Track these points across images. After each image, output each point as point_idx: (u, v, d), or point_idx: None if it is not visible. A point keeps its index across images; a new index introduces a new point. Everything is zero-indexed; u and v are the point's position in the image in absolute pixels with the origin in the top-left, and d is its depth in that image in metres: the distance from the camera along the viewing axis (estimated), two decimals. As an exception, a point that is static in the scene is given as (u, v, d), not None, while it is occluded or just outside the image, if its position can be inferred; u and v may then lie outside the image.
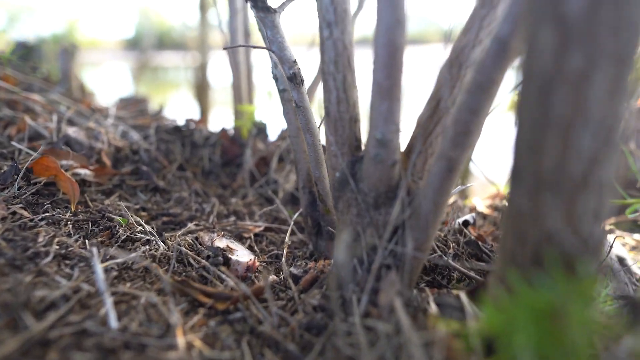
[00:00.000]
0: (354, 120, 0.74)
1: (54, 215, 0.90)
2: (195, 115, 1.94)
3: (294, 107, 0.89)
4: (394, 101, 0.66)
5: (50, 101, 1.58)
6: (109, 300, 0.65)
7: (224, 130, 1.57)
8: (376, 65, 0.65)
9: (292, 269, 0.84)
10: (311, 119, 0.90)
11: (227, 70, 1.67)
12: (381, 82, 0.65)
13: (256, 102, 1.69)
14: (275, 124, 1.67)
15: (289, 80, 0.85)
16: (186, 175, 1.32)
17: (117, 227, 0.91)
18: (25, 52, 2.23)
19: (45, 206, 0.92)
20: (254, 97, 1.72)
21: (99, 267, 0.71)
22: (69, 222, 0.90)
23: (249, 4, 0.92)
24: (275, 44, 0.85)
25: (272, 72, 1.01)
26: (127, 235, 0.89)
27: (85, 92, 2.00)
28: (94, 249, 0.74)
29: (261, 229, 1.09)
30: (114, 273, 0.75)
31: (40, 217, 0.87)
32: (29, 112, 1.46)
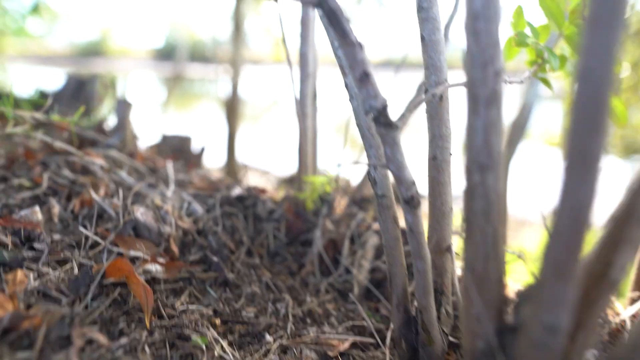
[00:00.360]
0: (502, 280, 0.63)
1: (130, 337, 0.79)
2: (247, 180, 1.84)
3: (408, 232, 0.78)
4: (569, 283, 0.54)
5: (110, 159, 1.50)
6: None
7: (288, 203, 1.47)
8: (555, 240, 0.53)
9: None
10: (424, 245, 0.79)
11: (294, 133, 1.58)
12: (559, 259, 0.53)
13: (320, 169, 1.59)
14: (342, 196, 1.57)
15: (404, 202, 0.74)
16: (254, 262, 1.22)
17: (200, 353, 0.80)
18: (78, 90, 2.18)
19: (121, 325, 0.82)
20: (318, 163, 1.63)
21: None
22: (146, 346, 0.79)
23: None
24: (394, 163, 0.74)
25: (368, 173, 0.91)
26: (211, 368, 0.78)
27: (135, 139, 1.93)
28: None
29: (346, 346, 0.98)
30: None
31: (117, 345, 0.77)
32: (88, 175, 1.38)
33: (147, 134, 2.68)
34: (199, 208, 1.34)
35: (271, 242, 1.36)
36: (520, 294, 0.61)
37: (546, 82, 1.11)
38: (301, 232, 1.43)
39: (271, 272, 1.22)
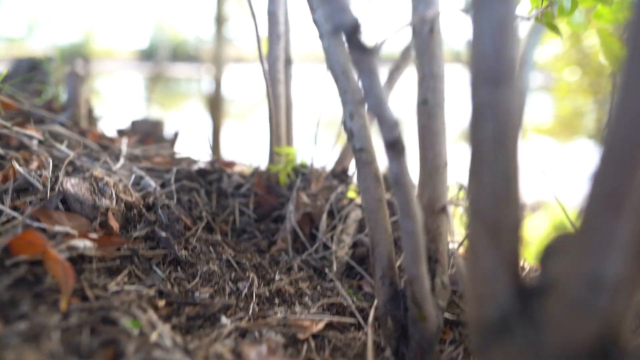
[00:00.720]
0: (518, 229, 0.45)
1: (33, 321, 0.61)
2: (216, 150, 1.66)
3: (393, 184, 0.60)
4: (623, 216, 0.37)
5: (52, 134, 1.31)
6: None
7: (258, 177, 1.29)
8: (607, 160, 0.37)
9: None
10: (413, 200, 0.61)
11: (264, 108, 1.40)
12: (611, 185, 0.37)
13: (296, 145, 1.41)
14: (319, 167, 1.39)
15: (387, 147, 0.57)
16: (215, 239, 1.04)
17: (127, 343, 0.62)
18: (31, 71, 1.99)
19: (24, 308, 0.64)
20: (293, 138, 1.45)
21: None
22: (54, 332, 0.61)
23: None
24: (372, 97, 0.56)
25: (344, 123, 0.74)
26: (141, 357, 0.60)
27: (93, 120, 1.74)
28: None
29: (320, 327, 0.80)
30: None
31: (11, 331, 0.58)
32: (23, 151, 1.19)
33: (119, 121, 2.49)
34: (151, 183, 1.16)
35: (237, 218, 1.18)
36: (547, 248, 0.44)
37: (553, 28, 0.96)
38: (273, 209, 1.25)
39: (235, 250, 1.04)
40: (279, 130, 1.34)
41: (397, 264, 0.82)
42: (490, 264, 0.42)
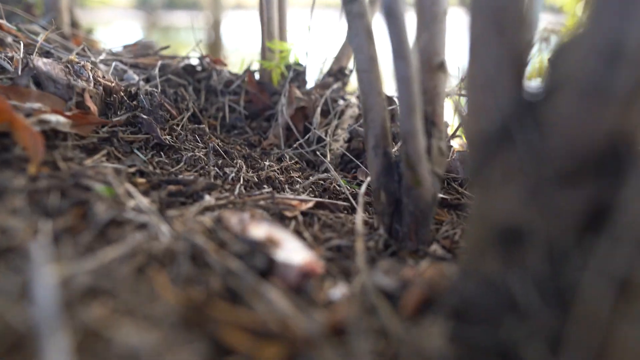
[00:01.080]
0: (523, 17, 0.38)
1: (-3, 181, 0.57)
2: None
3: (386, 16, 0.53)
4: None
5: (29, 31, 1.23)
6: (55, 346, 0.33)
7: (249, 74, 1.21)
8: None
9: (378, 277, 0.51)
10: (406, 37, 0.54)
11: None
12: None
13: (287, 36, 1.32)
14: (313, 66, 1.31)
15: None
16: (202, 130, 0.98)
17: (96, 202, 0.58)
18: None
19: (-16, 167, 0.59)
20: (287, 34, 1.36)
21: (43, 279, 0.38)
22: (20, 193, 0.57)
23: None
24: None
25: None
26: (111, 216, 0.56)
27: (77, 28, 1.65)
28: (36, 248, 0.42)
29: (309, 205, 0.76)
30: (79, 282, 0.42)
31: (-30, 185, 0.54)
32: (-1, 46, 1.12)
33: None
34: (135, 76, 1.09)
35: (227, 114, 1.12)
36: (559, 46, 0.38)
37: None
38: (266, 107, 1.19)
39: (224, 142, 0.99)
40: (271, 25, 1.25)
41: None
42: (493, 63, 0.36)
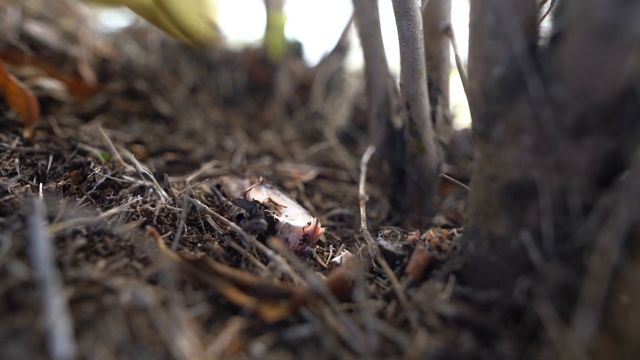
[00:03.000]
0: None
1: (-10, 142, 0.55)
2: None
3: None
4: None
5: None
6: (55, 298, 0.32)
7: (248, 51, 1.19)
8: None
9: (381, 241, 0.50)
10: (412, -8, 0.53)
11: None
12: None
13: (288, 11, 1.29)
14: (314, 42, 1.29)
15: None
16: (201, 102, 0.96)
17: (93, 164, 0.56)
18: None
19: (-23, 127, 0.58)
20: (285, 2, 1.33)
21: (41, 234, 0.37)
22: (14, 155, 0.55)
23: None
24: None
25: None
26: (107, 178, 0.54)
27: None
28: (36, 201, 0.40)
29: (311, 176, 0.74)
30: (77, 243, 0.41)
31: (-39, 144, 0.53)
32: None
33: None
34: (133, 47, 1.07)
35: (227, 88, 1.10)
36: None
37: None
38: (266, 81, 1.17)
39: (224, 114, 0.97)
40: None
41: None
42: (504, 9, 0.34)
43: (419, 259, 0.45)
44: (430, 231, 0.49)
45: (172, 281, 0.37)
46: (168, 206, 0.52)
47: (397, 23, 0.53)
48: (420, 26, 0.53)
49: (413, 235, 0.50)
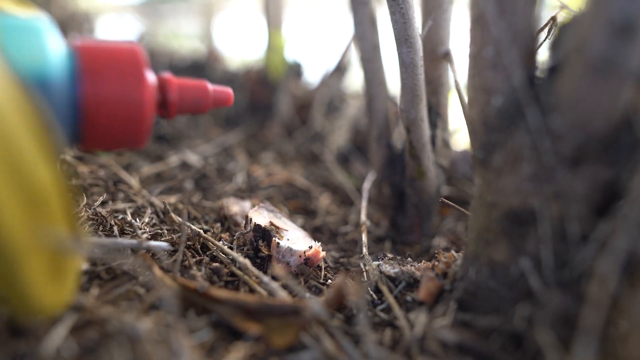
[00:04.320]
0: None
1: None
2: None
3: (390, 2, 0.52)
4: None
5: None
6: (58, 324, 0.32)
7: (249, 72, 1.21)
8: None
9: (382, 265, 0.50)
10: (412, 20, 0.54)
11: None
12: None
13: (288, 32, 1.31)
14: (314, 64, 1.31)
15: None
16: (201, 121, 0.97)
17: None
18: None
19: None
20: (286, 24, 1.34)
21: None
22: None
23: None
24: None
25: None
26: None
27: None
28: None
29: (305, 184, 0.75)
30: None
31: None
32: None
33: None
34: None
35: (228, 109, 1.11)
36: (562, 27, 0.37)
37: None
38: (266, 101, 1.18)
39: (225, 135, 0.98)
40: (274, 19, 1.24)
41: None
42: (503, 40, 0.35)
43: (431, 287, 0.45)
44: (438, 256, 0.49)
45: (174, 308, 0.38)
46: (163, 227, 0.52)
47: (397, 49, 0.54)
48: (421, 53, 0.54)
49: (422, 264, 0.50)
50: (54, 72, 0.32)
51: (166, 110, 0.40)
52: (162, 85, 0.40)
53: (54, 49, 0.33)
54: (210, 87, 0.42)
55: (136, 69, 0.35)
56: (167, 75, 0.41)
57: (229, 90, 0.44)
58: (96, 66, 0.34)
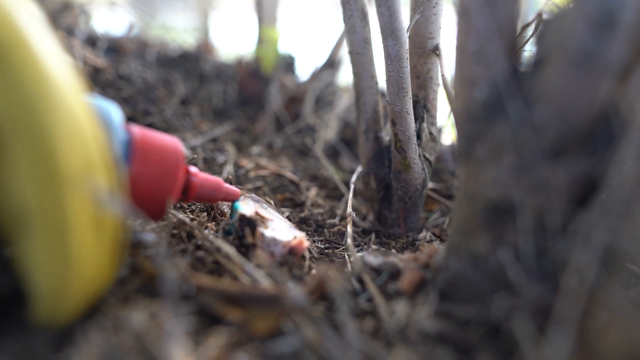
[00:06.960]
0: None
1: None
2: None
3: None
4: None
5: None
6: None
7: (240, 64, 1.21)
8: None
9: (366, 256, 0.50)
10: (399, 14, 0.54)
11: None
12: None
13: (280, 26, 1.31)
14: (306, 58, 1.31)
15: None
16: (191, 113, 0.97)
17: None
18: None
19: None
20: (278, 18, 1.34)
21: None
22: None
23: None
24: None
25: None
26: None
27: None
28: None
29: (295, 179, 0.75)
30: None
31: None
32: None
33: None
34: (131, 62, 1.07)
35: (218, 100, 1.11)
36: (547, 22, 0.37)
37: None
38: (257, 94, 1.18)
39: (214, 126, 0.98)
40: (266, 13, 1.24)
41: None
42: (485, 33, 0.36)
43: (413, 277, 0.46)
44: (421, 247, 0.49)
45: (172, 293, 0.38)
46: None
47: (383, 42, 0.54)
48: (407, 45, 0.54)
49: (406, 256, 0.50)
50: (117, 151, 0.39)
51: (185, 196, 0.49)
52: (188, 177, 0.48)
53: (121, 135, 0.40)
54: (225, 185, 0.52)
55: (176, 162, 0.43)
56: (194, 169, 0.49)
57: (238, 190, 0.54)
58: (145, 152, 0.41)
